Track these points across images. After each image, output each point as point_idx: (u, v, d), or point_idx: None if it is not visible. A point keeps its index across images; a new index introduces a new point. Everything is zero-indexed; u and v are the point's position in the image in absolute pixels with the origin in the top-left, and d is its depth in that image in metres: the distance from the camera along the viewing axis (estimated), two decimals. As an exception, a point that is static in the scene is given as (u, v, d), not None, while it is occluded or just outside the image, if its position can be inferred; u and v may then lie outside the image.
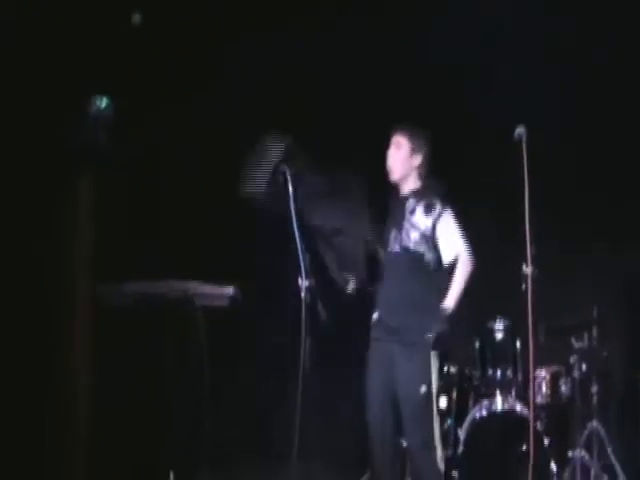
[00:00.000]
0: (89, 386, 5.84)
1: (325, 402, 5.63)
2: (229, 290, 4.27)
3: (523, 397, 4.83)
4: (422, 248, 4.22)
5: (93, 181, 5.56)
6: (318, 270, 3.81)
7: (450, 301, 4.23)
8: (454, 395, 4.97)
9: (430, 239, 4.21)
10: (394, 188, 4.38)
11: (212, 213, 5.29)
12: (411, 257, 4.24)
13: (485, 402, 4.86)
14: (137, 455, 5.39)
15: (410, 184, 4.32)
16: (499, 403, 4.80)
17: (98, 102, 4.16)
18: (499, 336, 4.93)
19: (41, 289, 5.22)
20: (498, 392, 4.84)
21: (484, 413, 4.79)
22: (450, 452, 4.87)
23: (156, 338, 4.75)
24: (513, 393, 4.88)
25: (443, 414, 4.97)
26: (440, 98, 5.60)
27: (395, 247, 4.30)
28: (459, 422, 4.93)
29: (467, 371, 5.04)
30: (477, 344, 5.00)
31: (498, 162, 4.89)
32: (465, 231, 4.41)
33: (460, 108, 5.58)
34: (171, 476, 4.58)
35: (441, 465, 4.26)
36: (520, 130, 3.88)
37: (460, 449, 4.72)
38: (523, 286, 3.95)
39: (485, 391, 4.94)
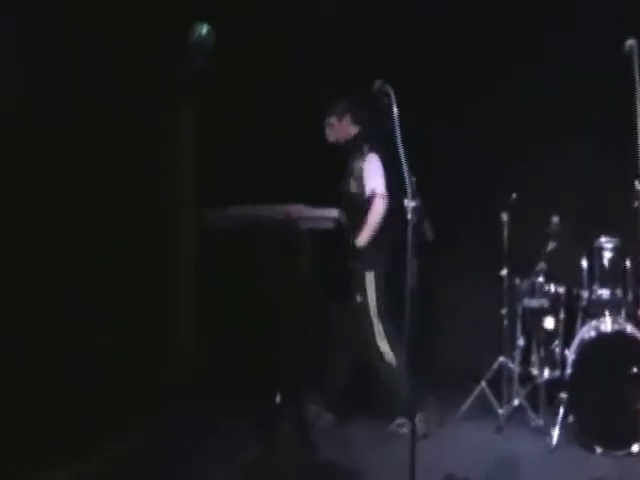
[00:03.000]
0: (192, 308, 6.30)
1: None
2: (334, 212, 4.35)
3: (633, 317, 4.92)
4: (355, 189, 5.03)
5: (195, 106, 5.91)
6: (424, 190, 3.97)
7: (361, 238, 4.95)
8: (561, 316, 5.21)
9: (361, 180, 5.00)
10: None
11: (312, 135, 5.58)
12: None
13: (594, 323, 4.93)
14: (244, 378, 5.90)
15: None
16: (608, 324, 4.84)
17: (199, 29, 4.43)
18: (608, 255, 5.01)
19: (147, 211, 5.61)
20: (607, 312, 4.91)
21: (593, 334, 4.85)
22: (558, 374, 5.14)
23: (260, 261, 5.13)
24: (623, 313, 4.94)
25: (550, 335, 5.29)
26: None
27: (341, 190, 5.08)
28: (567, 343, 5.13)
29: (575, 291, 5.21)
30: (585, 263, 5.12)
31: (608, 76, 5.02)
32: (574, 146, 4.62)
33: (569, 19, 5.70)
34: (277, 397, 5.04)
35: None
36: (631, 42, 3.97)
37: (568, 371, 4.85)
38: (635, 203, 4.09)
39: (594, 311, 5.03)
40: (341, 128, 5.14)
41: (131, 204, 5.44)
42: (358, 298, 5.05)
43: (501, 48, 5.99)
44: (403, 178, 3.81)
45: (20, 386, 4.24)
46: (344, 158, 5.16)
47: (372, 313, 5.04)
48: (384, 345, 5.02)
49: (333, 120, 5.14)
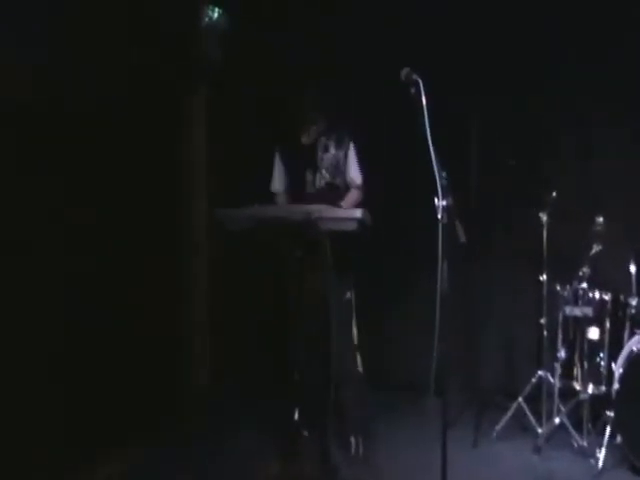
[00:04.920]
0: (207, 309, 6.39)
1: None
2: (357, 212, 4.35)
3: (687, 328, 4.80)
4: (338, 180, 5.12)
5: (208, 99, 5.92)
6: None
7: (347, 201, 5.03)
8: (607, 326, 5.09)
9: (339, 168, 5.10)
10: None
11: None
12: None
13: (643, 333, 4.83)
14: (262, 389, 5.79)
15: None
16: (660, 335, 4.74)
17: (210, 13, 4.40)
18: (657, 259, 4.91)
19: (159, 215, 5.70)
20: (658, 322, 4.81)
21: (642, 346, 4.76)
22: (603, 390, 5.03)
23: (277, 264, 5.06)
24: (676, 323, 4.83)
25: (594, 347, 5.11)
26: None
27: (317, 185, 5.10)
28: (613, 356, 5.01)
29: (622, 298, 5.11)
30: (633, 268, 5.06)
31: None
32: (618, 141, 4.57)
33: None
34: (296, 414, 4.85)
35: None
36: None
37: (615, 387, 4.80)
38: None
39: (643, 321, 4.94)
40: (317, 128, 5.12)
41: (141, 200, 5.54)
42: (348, 295, 4.98)
43: (544, 42, 5.87)
44: (432, 174, 3.70)
45: (22, 392, 4.34)
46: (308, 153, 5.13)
47: (354, 314, 4.99)
48: (357, 352, 4.99)
49: (313, 129, 5.12)
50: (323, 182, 5.09)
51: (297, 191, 5.13)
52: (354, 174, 5.13)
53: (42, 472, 4.36)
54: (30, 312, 4.50)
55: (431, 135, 3.72)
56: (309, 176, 5.10)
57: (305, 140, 5.11)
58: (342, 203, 4.98)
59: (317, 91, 5.11)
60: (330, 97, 5.12)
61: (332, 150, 5.08)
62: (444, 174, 3.80)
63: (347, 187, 5.13)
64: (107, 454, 4.79)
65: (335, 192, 5.06)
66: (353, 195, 5.11)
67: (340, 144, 5.10)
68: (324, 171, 5.07)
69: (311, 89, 5.11)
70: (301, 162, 5.12)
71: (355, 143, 5.12)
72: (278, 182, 5.23)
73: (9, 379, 4.27)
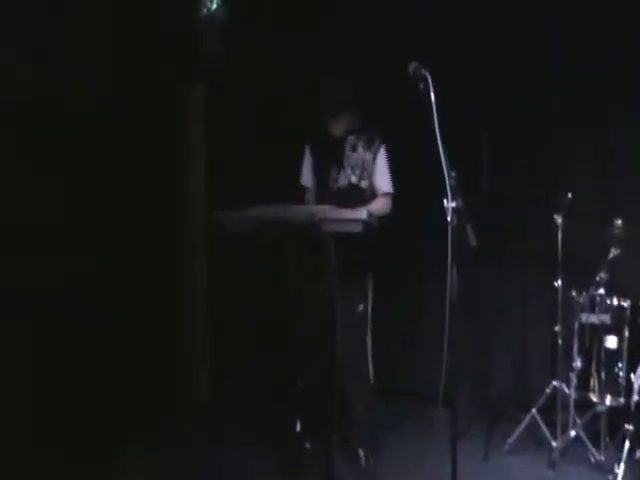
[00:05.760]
0: (206, 313, 6.37)
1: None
2: (362, 214, 4.26)
3: None
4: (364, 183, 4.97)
5: (207, 99, 5.98)
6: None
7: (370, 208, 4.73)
8: (626, 334, 4.99)
9: (367, 171, 4.96)
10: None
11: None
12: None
13: (664, 342, 4.77)
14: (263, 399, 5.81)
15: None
16: (682, 344, 4.69)
17: (209, 4, 4.35)
18: (680, 263, 4.87)
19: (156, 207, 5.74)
20: (681, 330, 4.74)
21: (663, 355, 4.69)
22: (622, 401, 4.95)
23: (280, 265, 4.98)
24: (699, 332, 4.76)
25: (612, 356, 5.02)
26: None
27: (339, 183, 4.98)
28: (632, 366, 4.93)
29: (642, 306, 5.02)
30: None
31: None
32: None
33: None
34: (297, 425, 4.87)
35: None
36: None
37: (634, 398, 4.77)
38: None
39: (665, 329, 4.86)
40: (348, 120, 4.98)
41: (141, 200, 5.58)
42: (361, 307, 4.85)
43: (555, 40, 5.72)
44: (440, 174, 3.64)
45: (19, 392, 4.52)
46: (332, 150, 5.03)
47: (368, 325, 4.88)
48: (370, 364, 4.90)
49: (345, 116, 4.97)
50: (346, 181, 4.95)
51: (322, 188, 5.04)
52: (382, 180, 4.96)
53: (42, 472, 4.41)
54: (30, 312, 4.57)
55: (440, 133, 3.64)
56: (333, 173, 4.97)
57: (336, 131, 4.98)
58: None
59: (350, 81, 4.97)
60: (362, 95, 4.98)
61: (360, 150, 4.96)
62: (453, 174, 3.72)
63: (374, 193, 4.97)
64: (107, 454, 4.83)
65: (359, 195, 4.91)
66: (379, 203, 4.92)
67: (369, 145, 4.96)
68: (349, 170, 4.94)
69: (344, 78, 4.98)
70: (328, 158, 5.01)
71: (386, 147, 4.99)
72: (307, 177, 5.15)
73: (9, 379, 4.40)
